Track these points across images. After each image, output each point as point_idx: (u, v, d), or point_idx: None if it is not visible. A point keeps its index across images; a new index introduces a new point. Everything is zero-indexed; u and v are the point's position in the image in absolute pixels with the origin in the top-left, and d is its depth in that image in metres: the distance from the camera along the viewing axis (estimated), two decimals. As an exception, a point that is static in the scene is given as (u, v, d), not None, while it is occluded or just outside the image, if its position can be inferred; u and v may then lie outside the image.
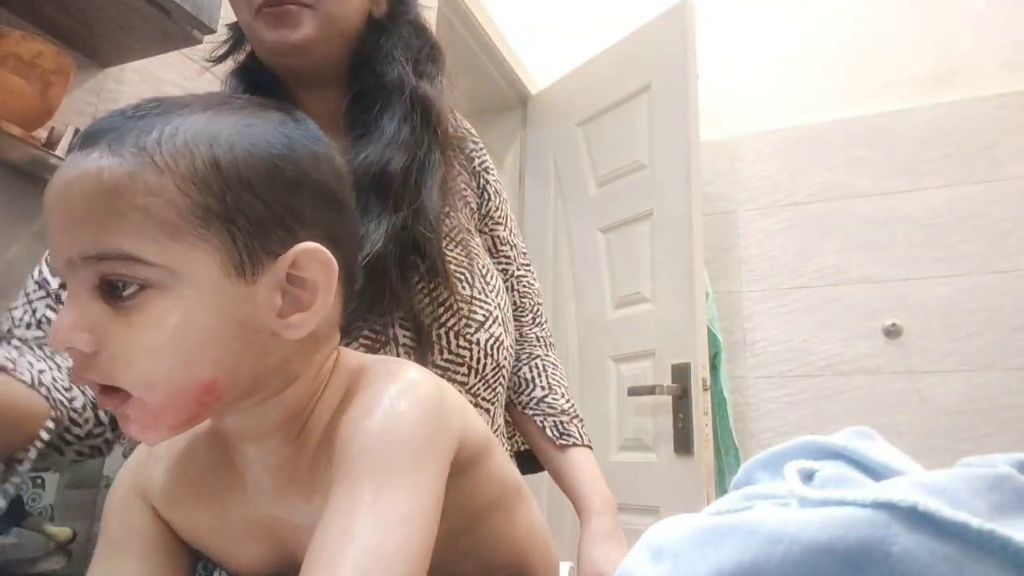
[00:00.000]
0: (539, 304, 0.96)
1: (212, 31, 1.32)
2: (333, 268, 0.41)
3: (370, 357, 0.49)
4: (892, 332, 2.31)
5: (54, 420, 0.56)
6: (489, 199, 0.90)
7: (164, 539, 0.49)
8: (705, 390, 1.77)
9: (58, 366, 0.59)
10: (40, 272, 0.65)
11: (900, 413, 2.26)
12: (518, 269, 0.94)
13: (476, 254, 0.80)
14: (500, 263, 0.91)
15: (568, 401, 0.89)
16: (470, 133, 0.91)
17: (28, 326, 0.62)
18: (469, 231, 0.82)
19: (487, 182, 0.90)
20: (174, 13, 1.24)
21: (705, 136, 2.11)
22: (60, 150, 1.21)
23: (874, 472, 0.27)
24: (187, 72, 1.57)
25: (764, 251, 2.56)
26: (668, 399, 1.81)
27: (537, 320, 0.94)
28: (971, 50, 2.39)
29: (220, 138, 0.39)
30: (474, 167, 0.90)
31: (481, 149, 0.92)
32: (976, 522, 0.21)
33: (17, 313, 0.64)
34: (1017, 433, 2.09)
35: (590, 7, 2.69)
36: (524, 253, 0.96)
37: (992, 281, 2.24)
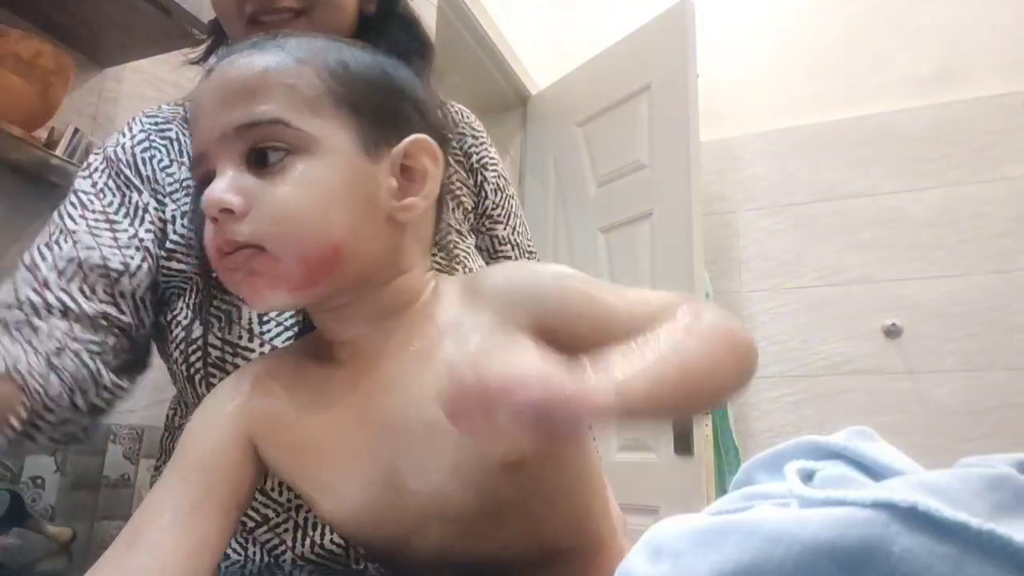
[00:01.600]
0: None
1: (212, 31, 1.32)
2: (439, 157, 0.48)
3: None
4: (892, 332, 2.31)
5: (25, 407, 0.56)
6: (486, 197, 0.86)
7: (236, 471, 0.48)
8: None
9: (35, 350, 0.58)
10: (31, 257, 0.64)
11: (900, 413, 2.26)
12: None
13: (463, 257, 0.76)
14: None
15: None
16: (471, 128, 0.88)
17: (8, 307, 0.61)
18: (459, 232, 0.79)
19: (484, 179, 0.86)
20: (174, 13, 1.24)
21: (705, 136, 2.11)
22: (60, 150, 1.21)
23: (874, 472, 0.27)
24: (187, 72, 1.57)
25: (764, 251, 2.56)
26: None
27: None
28: (971, 50, 2.39)
29: (345, 51, 0.48)
30: (471, 163, 0.85)
31: (481, 144, 0.88)
32: (976, 522, 0.21)
33: (1, 296, 0.63)
34: (1017, 433, 2.09)
35: (590, 7, 2.69)
36: (531, 252, 0.92)
37: (992, 281, 2.24)
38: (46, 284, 0.62)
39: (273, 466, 0.49)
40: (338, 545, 0.62)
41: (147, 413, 1.45)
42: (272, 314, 0.66)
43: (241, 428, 0.49)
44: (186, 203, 0.69)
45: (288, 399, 0.49)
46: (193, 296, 0.67)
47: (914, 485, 0.23)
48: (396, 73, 0.49)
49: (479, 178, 0.86)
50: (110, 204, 0.68)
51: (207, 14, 1.29)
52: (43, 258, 0.64)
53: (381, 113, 0.47)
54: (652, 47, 2.10)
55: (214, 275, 0.64)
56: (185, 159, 0.72)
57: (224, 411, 0.50)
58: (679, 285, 1.87)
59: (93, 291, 0.63)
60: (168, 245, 0.68)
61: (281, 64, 0.44)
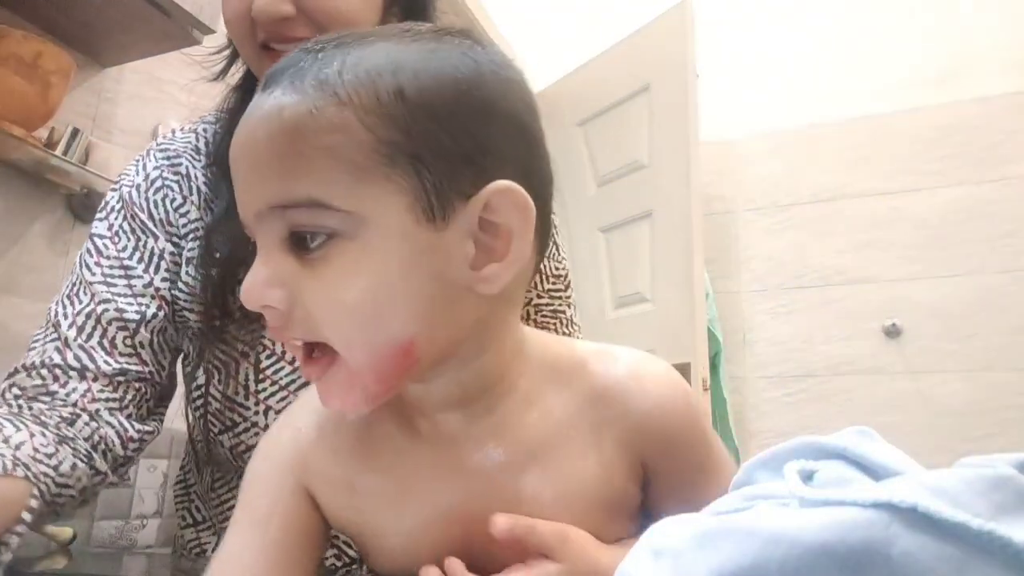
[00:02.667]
0: (568, 333, 0.81)
1: (212, 31, 1.32)
2: (530, 210, 0.37)
3: (551, 336, 0.49)
4: (892, 332, 2.31)
5: (36, 498, 0.54)
6: None
7: (304, 522, 0.45)
8: (705, 390, 1.77)
9: (42, 429, 0.56)
10: (54, 313, 0.64)
11: (900, 413, 2.26)
12: (538, 297, 0.81)
13: None
14: None
15: None
16: None
17: (29, 370, 0.61)
18: None
19: None
20: (174, 13, 1.24)
21: (705, 136, 2.11)
22: (60, 150, 1.21)
23: (874, 472, 0.27)
24: (187, 72, 1.57)
25: (764, 251, 2.56)
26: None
27: None
28: (973, 50, 2.39)
29: (403, 66, 0.36)
30: None
31: None
32: (976, 522, 0.21)
33: (29, 358, 0.63)
34: (1018, 433, 2.09)
35: (590, 7, 2.69)
36: (560, 277, 0.81)
37: (993, 281, 2.24)
38: (67, 343, 0.62)
39: (333, 522, 0.46)
40: None
41: (147, 413, 1.45)
42: (269, 372, 0.64)
43: (301, 481, 0.45)
44: (194, 248, 0.67)
45: (355, 461, 0.44)
46: (196, 341, 0.67)
47: (914, 485, 0.23)
48: (475, 84, 0.37)
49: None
50: (124, 248, 0.67)
51: (207, 14, 1.29)
52: (64, 315, 0.63)
53: (451, 156, 0.36)
54: (652, 47, 2.10)
55: (216, 323, 0.64)
56: (194, 196, 0.69)
57: (284, 460, 0.45)
58: (679, 285, 1.87)
59: (113, 344, 0.62)
60: (187, 280, 0.67)
61: (318, 115, 0.34)
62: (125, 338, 0.63)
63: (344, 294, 0.35)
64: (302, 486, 0.45)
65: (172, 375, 0.69)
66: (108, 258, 0.66)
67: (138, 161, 0.73)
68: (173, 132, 0.76)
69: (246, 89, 0.72)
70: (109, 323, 0.63)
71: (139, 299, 0.64)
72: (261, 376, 0.64)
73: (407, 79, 0.35)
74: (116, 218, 0.69)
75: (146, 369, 0.64)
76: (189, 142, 0.73)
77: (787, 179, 2.57)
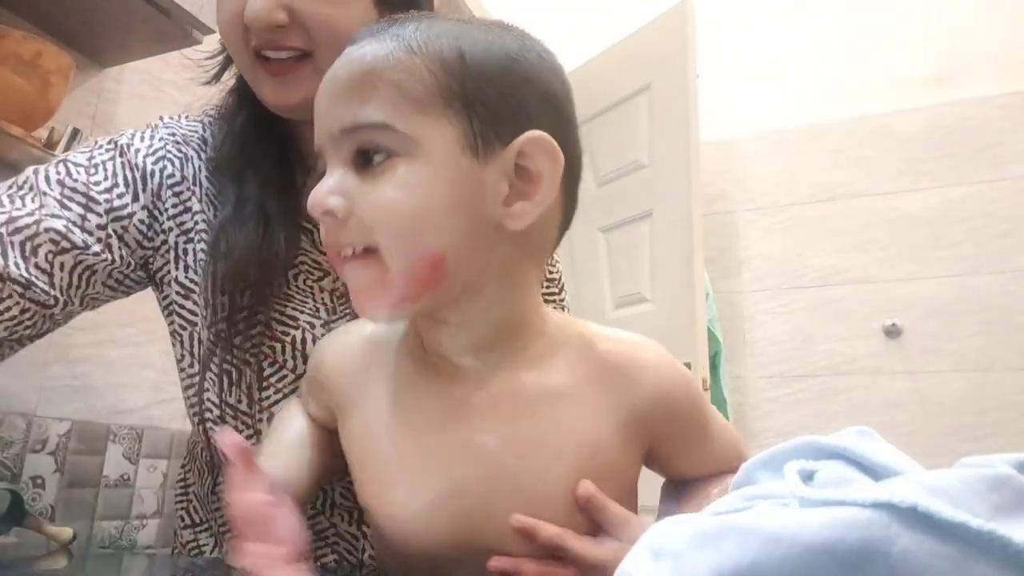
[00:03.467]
0: None
1: (212, 31, 1.32)
2: (559, 158, 0.43)
3: (569, 316, 0.55)
4: (892, 332, 2.31)
5: None
6: None
7: (323, 441, 0.53)
8: (705, 390, 1.77)
9: None
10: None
11: (900, 413, 2.26)
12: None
13: None
14: None
15: None
16: None
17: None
18: None
19: None
20: (174, 13, 1.24)
21: (705, 136, 2.11)
22: (60, 150, 1.21)
23: (874, 472, 0.27)
24: (187, 72, 1.57)
25: (764, 251, 2.56)
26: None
27: None
28: (971, 50, 2.39)
29: (466, 36, 0.44)
30: None
31: None
32: (976, 522, 0.21)
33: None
34: (1018, 433, 2.09)
35: (590, 7, 2.69)
36: (552, 281, 0.83)
37: (992, 281, 2.24)
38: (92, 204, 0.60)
39: (343, 442, 0.51)
40: None
41: (147, 413, 1.45)
42: (272, 380, 0.64)
43: (327, 403, 0.53)
44: (193, 245, 0.66)
45: (377, 385, 0.49)
46: (196, 345, 0.65)
47: (914, 485, 0.23)
48: (521, 59, 0.44)
49: None
50: (97, 184, 0.63)
51: (207, 14, 1.29)
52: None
53: (496, 108, 0.43)
54: (652, 47, 2.10)
55: (222, 331, 0.62)
56: (196, 186, 0.67)
57: (314, 379, 0.54)
58: (679, 285, 1.87)
59: (35, 253, 0.57)
60: (185, 282, 0.65)
61: (392, 58, 0.42)
62: (48, 253, 0.57)
63: (394, 202, 0.41)
64: (327, 406, 0.52)
65: (65, 317, 0.62)
66: (74, 182, 0.62)
67: (143, 130, 0.70)
68: (179, 117, 0.74)
69: (240, 93, 0.70)
70: (44, 232, 0.57)
71: (85, 233, 0.60)
72: (265, 384, 0.63)
73: (467, 45, 0.43)
74: (101, 155, 0.65)
75: (51, 294, 0.57)
76: (195, 131, 0.71)
77: (787, 179, 2.57)
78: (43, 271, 0.57)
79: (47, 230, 0.58)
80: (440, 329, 0.46)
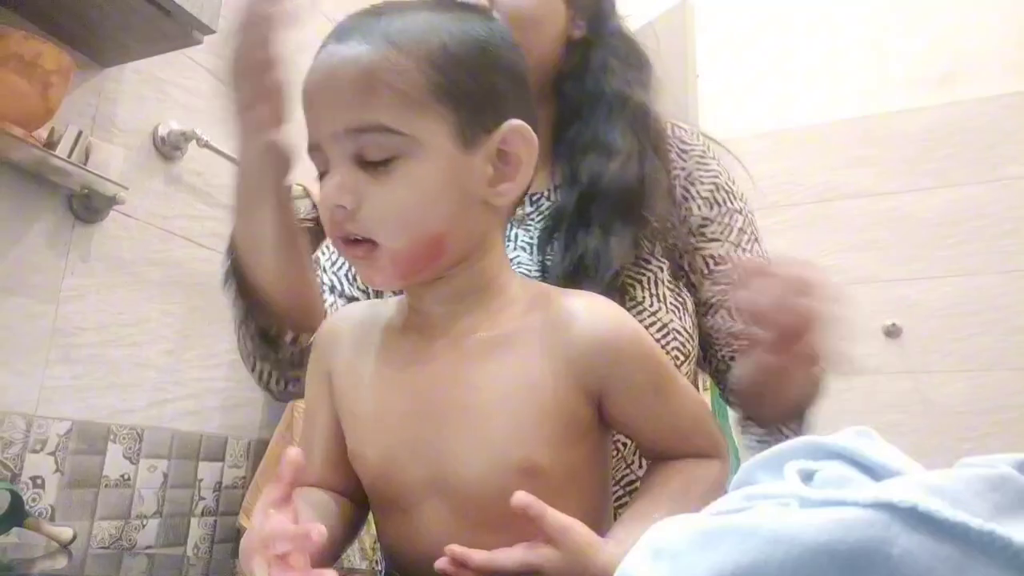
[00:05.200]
0: None
1: (212, 31, 1.32)
2: (534, 143, 0.50)
3: (530, 279, 0.61)
4: (892, 332, 2.31)
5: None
6: (692, 212, 0.77)
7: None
8: (705, 390, 1.77)
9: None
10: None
11: (900, 413, 2.25)
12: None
13: (647, 283, 0.71)
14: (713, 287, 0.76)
15: None
16: (679, 144, 0.80)
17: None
18: (642, 260, 0.71)
19: (690, 194, 0.78)
20: (174, 13, 1.24)
21: (705, 136, 2.10)
22: (60, 150, 1.21)
23: (874, 472, 0.27)
24: (187, 72, 1.57)
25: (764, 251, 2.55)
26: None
27: None
28: (973, 51, 2.39)
29: (445, 29, 0.48)
30: (673, 180, 0.77)
31: (692, 158, 0.80)
32: (976, 523, 0.21)
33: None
34: (1018, 433, 2.09)
35: (590, 7, 2.68)
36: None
37: (993, 281, 2.24)
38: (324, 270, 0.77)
39: (337, 407, 0.55)
40: None
41: (147, 413, 1.45)
42: None
43: (325, 368, 0.57)
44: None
45: (364, 346, 0.54)
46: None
47: (914, 485, 0.23)
48: (491, 44, 0.49)
49: (684, 194, 0.77)
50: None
51: (207, 14, 1.29)
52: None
53: (479, 98, 0.48)
54: (652, 47, 2.10)
55: None
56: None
57: (314, 361, 0.58)
58: (679, 285, 1.87)
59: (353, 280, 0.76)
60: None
61: (386, 60, 0.46)
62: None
63: (402, 199, 0.46)
64: (326, 372, 0.56)
65: None
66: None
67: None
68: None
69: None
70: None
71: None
72: None
73: (449, 39, 0.47)
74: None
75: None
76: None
77: (787, 179, 2.57)
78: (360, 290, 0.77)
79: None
80: (425, 288, 0.51)
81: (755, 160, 2.91)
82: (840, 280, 2.47)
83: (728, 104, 2.61)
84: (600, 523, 0.53)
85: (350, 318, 0.58)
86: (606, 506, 0.58)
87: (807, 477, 0.27)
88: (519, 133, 0.49)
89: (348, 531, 0.55)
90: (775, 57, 2.64)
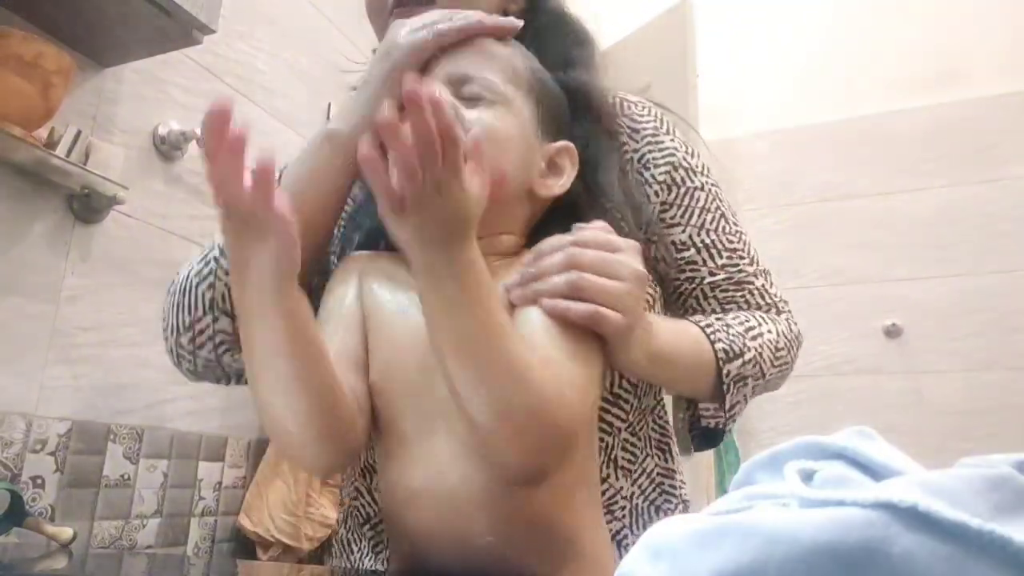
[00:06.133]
0: (768, 306, 0.83)
1: (212, 31, 1.32)
2: (576, 163, 0.61)
3: None
4: (892, 332, 2.31)
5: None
6: (649, 199, 0.72)
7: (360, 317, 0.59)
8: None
9: None
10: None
11: (900, 413, 2.25)
12: (711, 274, 0.77)
13: None
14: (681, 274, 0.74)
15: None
16: (629, 123, 0.75)
17: None
18: None
19: (646, 180, 0.72)
20: (174, 13, 1.24)
21: (705, 136, 2.10)
22: (60, 150, 1.21)
23: (874, 472, 0.27)
24: (187, 72, 1.57)
25: (764, 251, 2.54)
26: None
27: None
28: (971, 50, 2.39)
29: (537, 61, 0.64)
30: (632, 168, 0.73)
31: (642, 140, 0.74)
32: (976, 522, 0.21)
33: None
34: (1018, 433, 2.09)
35: (590, 7, 2.69)
36: (731, 250, 0.81)
37: (992, 281, 2.24)
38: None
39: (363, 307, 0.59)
40: None
41: (147, 413, 1.45)
42: None
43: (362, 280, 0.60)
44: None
45: (392, 287, 0.58)
46: None
47: (914, 485, 0.23)
48: (563, 89, 0.65)
49: (638, 179, 0.72)
50: None
51: (207, 14, 1.29)
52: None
53: (550, 112, 0.61)
54: (652, 47, 2.10)
55: None
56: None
57: (354, 268, 0.61)
58: (679, 285, 1.87)
59: None
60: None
61: (510, 56, 0.61)
62: None
63: (490, 123, 0.56)
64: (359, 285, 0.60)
65: None
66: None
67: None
68: None
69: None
70: None
71: None
72: None
73: (539, 68, 0.63)
74: None
75: None
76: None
77: (787, 179, 2.57)
78: None
79: None
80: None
81: (755, 160, 2.92)
82: (840, 280, 2.47)
83: (728, 104, 2.61)
84: (589, 477, 0.58)
85: (379, 255, 0.62)
86: (596, 463, 0.63)
87: (807, 477, 0.27)
88: (569, 152, 0.61)
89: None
90: (775, 57, 2.64)
